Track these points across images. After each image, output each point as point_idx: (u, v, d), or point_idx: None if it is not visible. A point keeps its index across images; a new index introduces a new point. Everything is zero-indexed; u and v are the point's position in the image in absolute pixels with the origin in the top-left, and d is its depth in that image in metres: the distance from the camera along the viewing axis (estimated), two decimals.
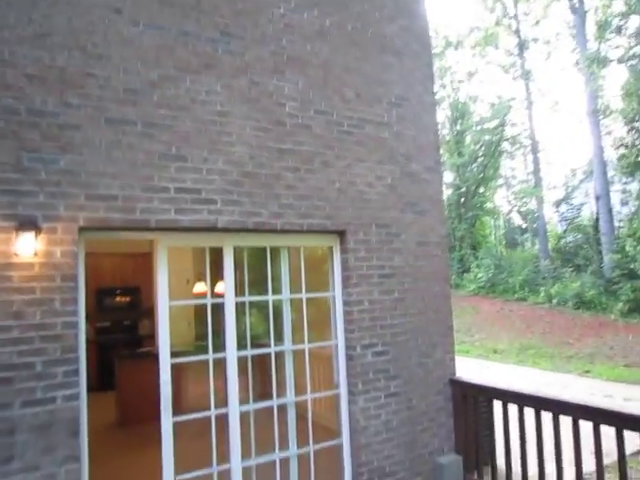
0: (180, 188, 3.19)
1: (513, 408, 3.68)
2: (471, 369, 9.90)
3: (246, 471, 3.40)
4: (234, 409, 3.36)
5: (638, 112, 16.58)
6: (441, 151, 26.01)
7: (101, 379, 7.53)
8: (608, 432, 3.01)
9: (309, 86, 3.80)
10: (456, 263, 22.01)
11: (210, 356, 3.34)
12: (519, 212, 31.10)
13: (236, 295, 3.44)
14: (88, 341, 3.03)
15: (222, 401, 3.36)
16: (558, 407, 3.36)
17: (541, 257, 20.48)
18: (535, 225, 23.90)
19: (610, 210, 17.00)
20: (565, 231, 22.23)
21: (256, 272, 3.84)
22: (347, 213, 3.82)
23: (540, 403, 3.49)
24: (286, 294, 3.66)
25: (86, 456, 2.88)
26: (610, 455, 3.13)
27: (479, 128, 24.32)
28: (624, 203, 19.03)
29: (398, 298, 3.96)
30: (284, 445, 3.58)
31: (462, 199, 24.59)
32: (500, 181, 29.53)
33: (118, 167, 3.01)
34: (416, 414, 3.98)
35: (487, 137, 23.74)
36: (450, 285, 4.47)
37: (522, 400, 3.63)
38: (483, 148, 24.30)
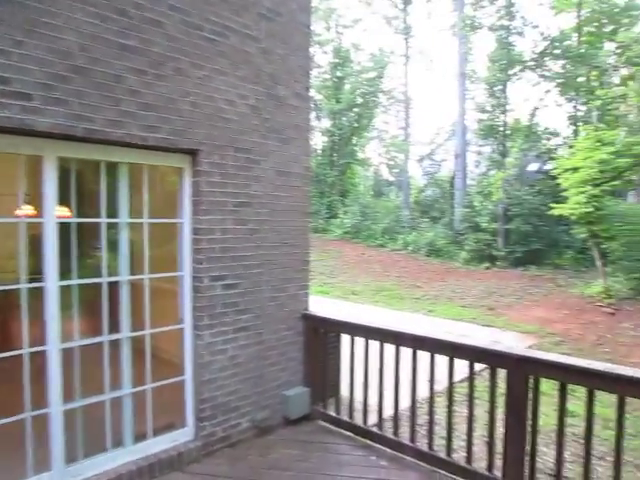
0: None
1: (361, 342, 3.75)
2: (328, 308, 10.33)
3: (69, 414, 3.01)
4: (54, 347, 2.90)
5: (498, 80, 17.94)
6: (320, 96, 26.03)
7: None
8: (444, 362, 3.20)
9: None
10: (325, 208, 22.53)
11: (24, 285, 2.81)
12: (387, 165, 32.74)
13: (59, 216, 2.89)
14: None
15: (40, 339, 2.87)
16: (398, 339, 3.49)
17: (403, 208, 21.89)
18: (400, 178, 25.33)
19: (465, 168, 18.57)
20: (426, 185, 23.97)
21: (87, 191, 3.27)
22: (201, 131, 3.39)
23: (384, 335, 3.59)
24: (124, 218, 3.18)
25: None
26: (443, 382, 3.34)
27: (358, 77, 24.53)
28: (477, 164, 20.94)
29: (253, 229, 3.71)
30: (117, 384, 3.23)
31: (336, 146, 24.95)
32: (374, 133, 30.56)
33: None
34: (265, 349, 3.88)
35: (365, 87, 24.08)
36: (310, 219, 4.34)
37: (368, 333, 3.71)
38: (360, 98, 24.65)
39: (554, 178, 11.69)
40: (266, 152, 3.82)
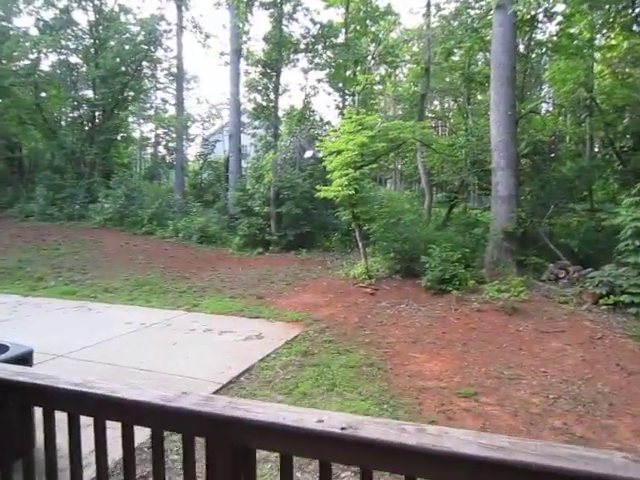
0: None
1: None
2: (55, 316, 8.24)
3: None
4: None
5: (273, 60, 17.51)
6: (78, 59, 22.08)
7: None
8: None
9: None
10: (83, 192, 19.22)
11: None
12: (165, 147, 30.18)
13: None
14: None
15: None
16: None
17: (176, 191, 20.09)
18: (174, 159, 23.34)
19: (240, 149, 17.77)
20: (201, 167, 22.54)
21: None
22: None
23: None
24: None
25: None
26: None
27: (124, 38, 21.42)
28: (253, 146, 20.39)
29: None
30: None
31: (96, 120, 21.55)
32: (149, 111, 27.66)
33: None
34: None
35: (130, 52, 21.16)
36: None
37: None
38: (125, 67, 21.67)
39: (322, 162, 11.65)
40: None
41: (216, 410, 1.58)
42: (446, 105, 28.71)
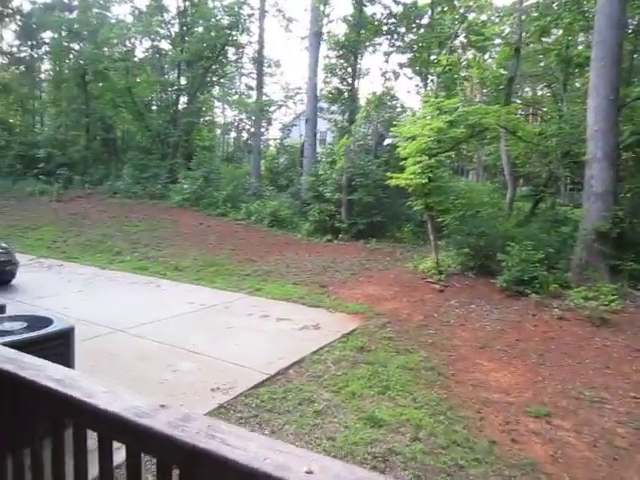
0: None
1: None
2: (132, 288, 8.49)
3: None
4: None
5: (352, 43, 17.02)
6: (165, 44, 22.93)
7: None
8: None
9: None
10: (165, 172, 20.01)
11: None
12: (247, 131, 30.74)
13: None
14: None
15: None
16: None
17: (252, 175, 20.32)
18: (253, 143, 23.63)
19: (315, 134, 17.53)
20: (278, 152, 22.63)
21: None
22: None
23: None
24: None
25: None
26: None
27: (210, 24, 21.83)
28: (330, 131, 20.06)
29: None
30: None
31: (180, 104, 22.29)
32: (233, 95, 28.25)
33: None
34: None
35: (214, 37, 21.57)
36: None
37: None
38: (208, 51, 22.12)
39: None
40: None
41: (186, 437, 1.27)
42: (539, 93, 26.58)
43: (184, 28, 22.49)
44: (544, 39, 16.18)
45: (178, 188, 18.38)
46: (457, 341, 6.53)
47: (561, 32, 14.39)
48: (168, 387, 4.72)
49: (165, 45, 23.43)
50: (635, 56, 13.87)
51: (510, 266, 8.48)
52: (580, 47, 16.05)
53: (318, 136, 19.59)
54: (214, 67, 22.42)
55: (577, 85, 18.54)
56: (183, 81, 22.75)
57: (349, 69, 17.76)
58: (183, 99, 22.91)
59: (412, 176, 9.19)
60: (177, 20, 22.75)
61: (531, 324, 7.23)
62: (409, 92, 56.17)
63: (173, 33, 22.77)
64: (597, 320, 7.11)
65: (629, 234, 9.26)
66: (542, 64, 18.95)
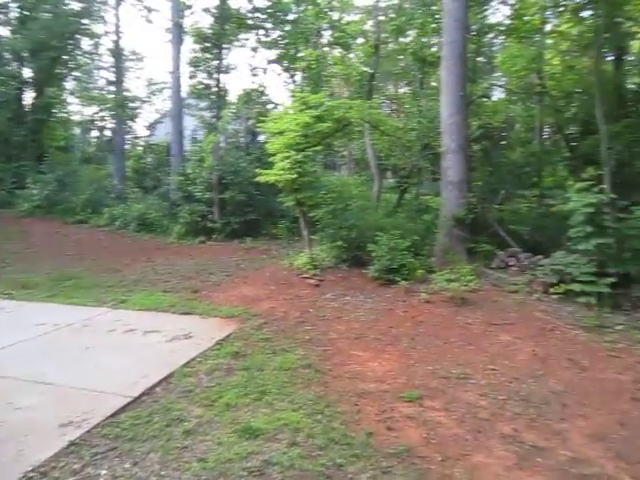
0: None
1: None
2: None
3: None
4: None
5: (216, 36, 16.42)
6: (4, 30, 20.08)
7: None
8: None
9: None
10: (10, 176, 17.59)
11: None
12: (110, 130, 28.32)
13: None
14: None
15: None
16: None
17: (114, 176, 18.75)
18: (113, 141, 21.80)
19: (181, 131, 16.65)
20: (144, 151, 21.17)
21: None
22: None
23: None
24: None
25: None
26: None
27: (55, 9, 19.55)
28: (198, 128, 19.25)
29: None
30: None
31: (25, 97, 19.76)
32: (90, 91, 25.71)
33: None
34: None
35: (61, 24, 19.35)
36: None
37: None
38: (56, 39, 19.83)
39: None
40: None
41: None
42: (401, 91, 28.34)
43: (23, 13, 19.90)
44: (401, 39, 17.17)
45: (27, 194, 16.25)
46: (333, 334, 6.52)
47: (416, 33, 15.34)
48: (5, 430, 3.98)
49: (4, 32, 20.59)
50: (478, 58, 15.32)
51: (380, 256, 8.75)
52: (433, 49, 17.34)
53: (189, 134, 18.66)
54: (64, 58, 20.20)
55: (433, 83, 20.02)
56: (28, 73, 20.20)
57: (215, 63, 17.15)
58: (30, 94, 20.36)
59: (281, 172, 9.04)
60: (16, 4, 20.08)
61: (401, 310, 7.50)
62: (278, 88, 56.44)
63: (11, 19, 20.06)
64: (458, 300, 7.61)
65: (481, 219, 10.13)
66: (402, 64, 20.16)
